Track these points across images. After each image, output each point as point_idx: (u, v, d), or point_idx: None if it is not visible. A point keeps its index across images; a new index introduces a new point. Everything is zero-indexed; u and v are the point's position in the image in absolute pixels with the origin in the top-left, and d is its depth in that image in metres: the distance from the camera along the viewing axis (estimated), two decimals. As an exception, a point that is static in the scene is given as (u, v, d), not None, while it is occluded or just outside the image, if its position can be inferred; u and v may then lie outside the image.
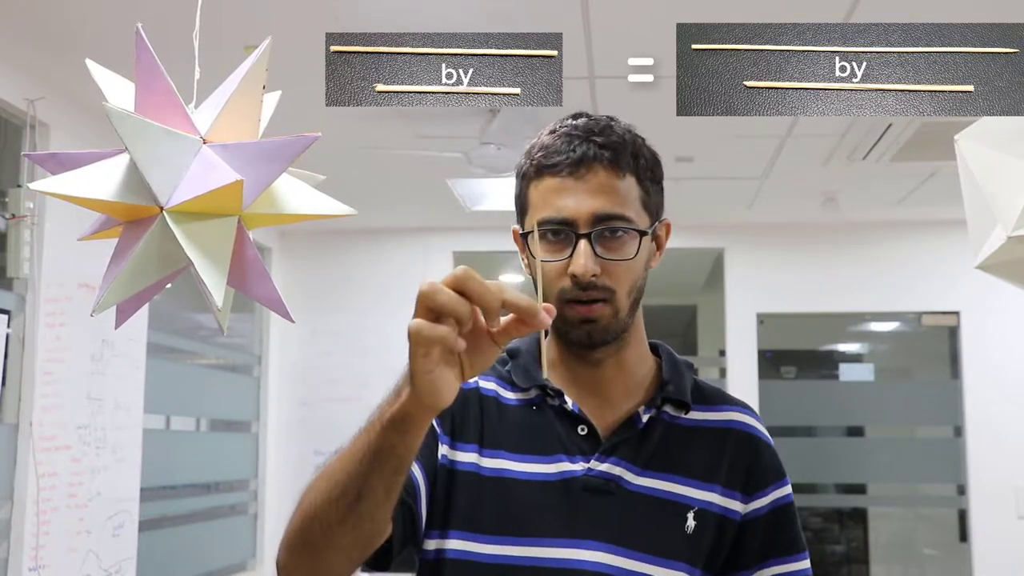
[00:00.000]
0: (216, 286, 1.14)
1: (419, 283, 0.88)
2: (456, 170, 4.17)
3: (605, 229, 1.18)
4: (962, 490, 5.29)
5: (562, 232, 1.19)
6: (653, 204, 1.25)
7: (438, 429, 1.25)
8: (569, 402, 1.25)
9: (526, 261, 1.27)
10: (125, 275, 1.15)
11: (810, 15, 2.88)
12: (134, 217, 1.19)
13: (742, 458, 1.26)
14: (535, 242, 1.20)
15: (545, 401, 1.27)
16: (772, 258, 5.49)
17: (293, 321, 1.28)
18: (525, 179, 1.25)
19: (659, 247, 1.28)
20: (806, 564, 1.26)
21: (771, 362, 5.82)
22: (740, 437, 1.27)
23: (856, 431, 5.88)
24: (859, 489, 5.96)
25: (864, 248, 5.41)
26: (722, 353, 5.66)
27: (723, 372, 5.54)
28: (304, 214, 1.26)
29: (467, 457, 1.24)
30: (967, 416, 5.25)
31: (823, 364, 6.55)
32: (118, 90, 1.27)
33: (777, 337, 5.75)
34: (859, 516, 6.46)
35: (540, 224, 1.19)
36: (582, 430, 1.24)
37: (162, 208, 1.14)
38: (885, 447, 5.68)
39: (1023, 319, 5.10)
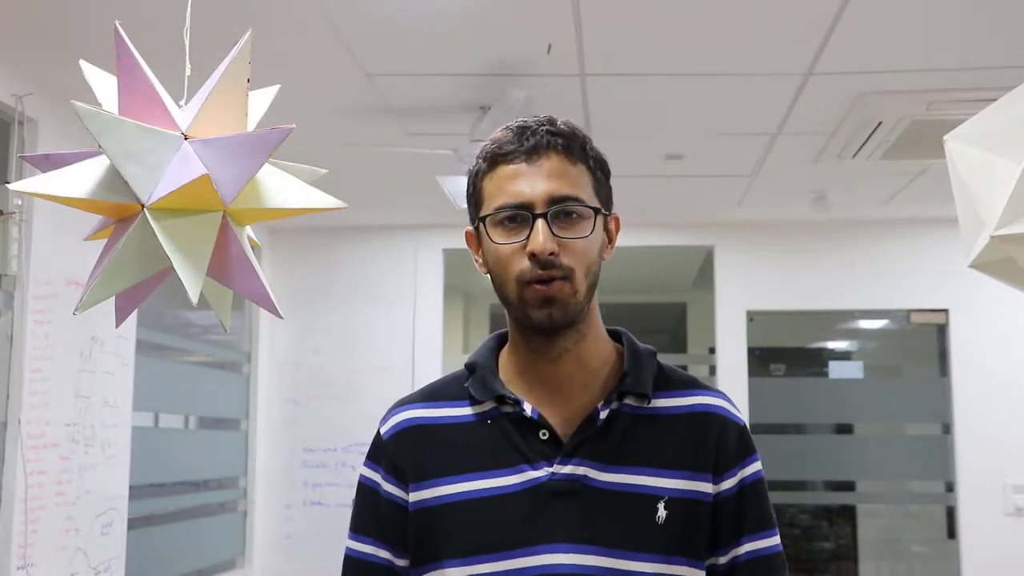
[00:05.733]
0: (192, 283, 1.14)
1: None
2: (446, 167, 4.16)
3: (560, 210, 1.21)
4: (950, 487, 5.31)
5: (518, 216, 1.22)
6: (603, 193, 1.28)
7: (392, 488, 1.29)
8: (528, 408, 1.26)
9: (480, 260, 1.29)
10: (105, 274, 1.15)
11: (797, 17, 2.89)
12: (121, 215, 1.19)
13: (710, 439, 1.27)
14: (493, 229, 1.23)
15: (501, 412, 1.28)
16: (762, 256, 5.49)
17: (281, 317, 1.29)
18: (479, 175, 1.28)
19: (610, 240, 1.31)
20: (776, 540, 1.29)
21: (760, 359, 5.83)
22: (707, 419, 1.29)
23: (845, 428, 5.89)
24: (848, 486, 5.97)
25: (853, 246, 5.42)
26: (712, 350, 5.66)
27: (712, 369, 5.55)
28: (293, 208, 1.26)
29: (428, 493, 1.27)
30: (955, 413, 5.27)
31: (812, 361, 6.57)
32: (112, 91, 1.26)
33: (767, 334, 5.76)
34: (848, 513, 6.48)
35: (497, 210, 1.23)
36: (543, 435, 1.25)
37: (143, 205, 1.13)
38: (874, 444, 5.70)
39: (1012, 317, 5.12)
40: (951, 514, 5.38)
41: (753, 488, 1.28)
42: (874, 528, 6.37)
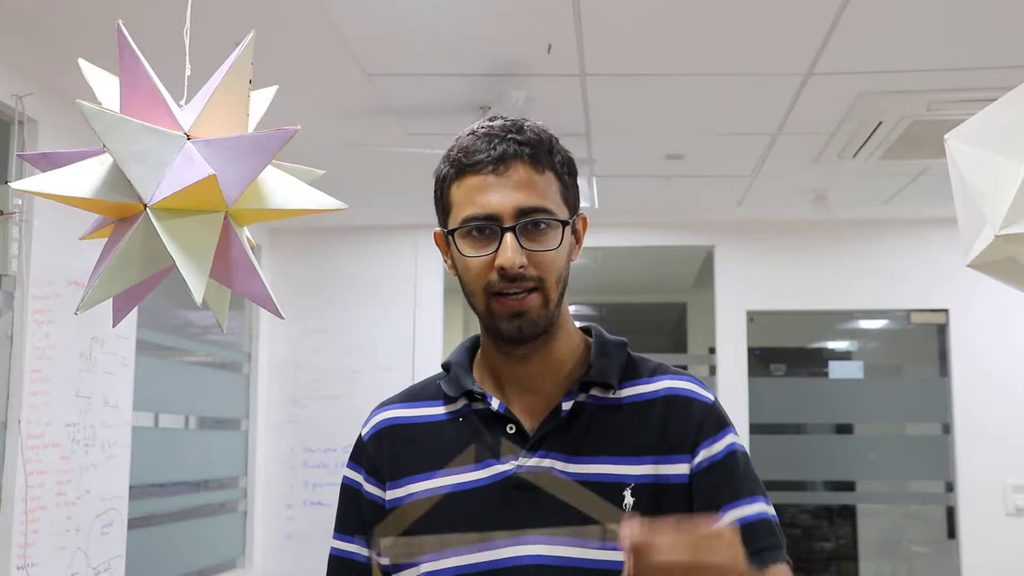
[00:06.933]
0: (196, 283, 1.14)
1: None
2: (446, 167, 4.16)
3: (529, 222, 1.22)
4: (950, 487, 5.31)
5: (487, 228, 1.22)
6: (571, 197, 1.29)
7: (373, 488, 1.31)
8: (495, 403, 1.28)
9: (450, 262, 1.30)
10: (107, 273, 1.15)
11: (797, 17, 2.89)
12: (122, 215, 1.19)
13: (677, 421, 1.26)
14: (461, 240, 1.24)
15: (472, 409, 1.29)
16: (762, 256, 5.49)
17: (282, 317, 1.29)
18: (446, 181, 1.29)
19: (578, 240, 1.32)
20: (762, 507, 1.26)
21: (761, 359, 5.83)
22: (673, 401, 1.28)
23: (845, 428, 5.89)
24: (848, 486, 5.97)
25: (854, 246, 5.42)
26: (712, 350, 5.66)
27: (713, 369, 5.55)
28: (294, 208, 1.26)
29: (402, 492, 1.28)
30: (955, 413, 5.27)
31: (813, 361, 6.56)
32: (111, 90, 1.26)
33: (767, 334, 5.76)
34: (848, 513, 6.47)
35: (465, 221, 1.23)
36: (510, 429, 1.27)
37: (145, 205, 1.13)
38: (874, 444, 5.70)
39: (1012, 317, 5.12)
40: (951, 514, 5.38)
41: (727, 460, 1.25)
42: (874, 528, 6.37)
